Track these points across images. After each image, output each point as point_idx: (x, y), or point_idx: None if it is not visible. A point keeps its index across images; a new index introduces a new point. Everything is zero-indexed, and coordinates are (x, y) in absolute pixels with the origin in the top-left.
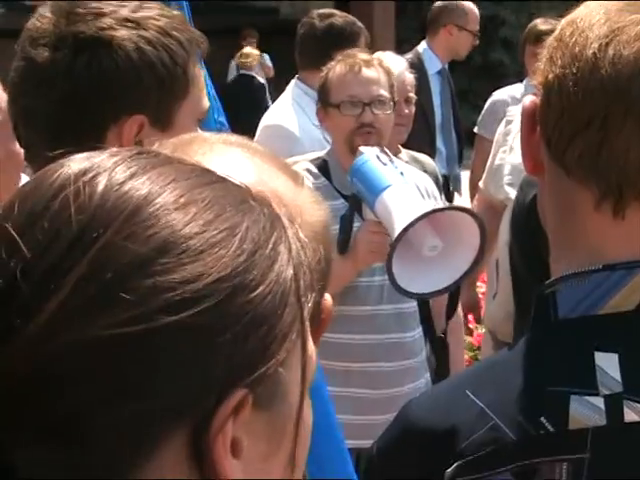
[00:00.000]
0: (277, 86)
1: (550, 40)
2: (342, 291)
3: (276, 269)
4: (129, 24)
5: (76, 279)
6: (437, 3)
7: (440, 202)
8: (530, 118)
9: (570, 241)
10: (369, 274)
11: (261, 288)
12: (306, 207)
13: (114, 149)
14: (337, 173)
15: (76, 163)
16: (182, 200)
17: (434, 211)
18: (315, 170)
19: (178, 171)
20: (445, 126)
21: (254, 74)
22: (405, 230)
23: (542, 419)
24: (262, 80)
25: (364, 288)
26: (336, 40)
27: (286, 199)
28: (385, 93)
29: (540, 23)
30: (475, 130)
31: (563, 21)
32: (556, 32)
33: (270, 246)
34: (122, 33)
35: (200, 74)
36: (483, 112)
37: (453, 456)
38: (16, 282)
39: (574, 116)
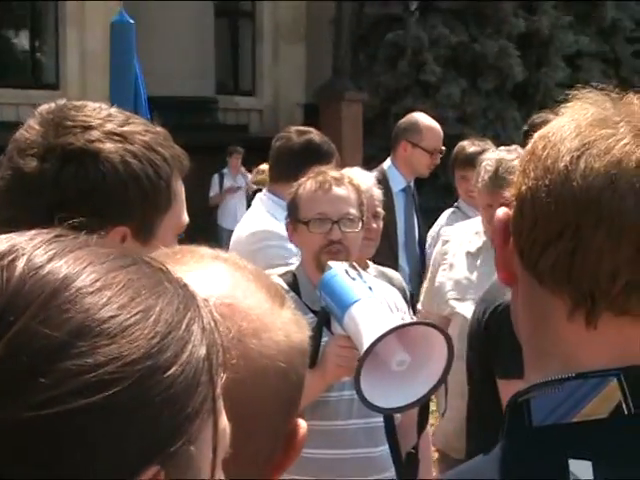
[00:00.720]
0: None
1: (523, 154)
2: (312, 405)
3: (189, 349)
4: (116, 137)
5: None
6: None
7: (408, 316)
8: (504, 229)
9: (544, 349)
10: (339, 388)
11: (174, 369)
12: (280, 326)
13: (34, 231)
14: (306, 288)
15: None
16: (98, 284)
17: (402, 326)
18: (284, 285)
19: (94, 255)
20: (409, 245)
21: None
22: (373, 345)
23: None
24: None
25: (334, 402)
26: (312, 156)
27: (254, 316)
28: (354, 211)
29: (467, 146)
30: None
31: (536, 135)
32: (529, 146)
33: (183, 327)
34: (109, 146)
35: (182, 190)
36: (429, 251)
37: None
38: None
39: (547, 226)
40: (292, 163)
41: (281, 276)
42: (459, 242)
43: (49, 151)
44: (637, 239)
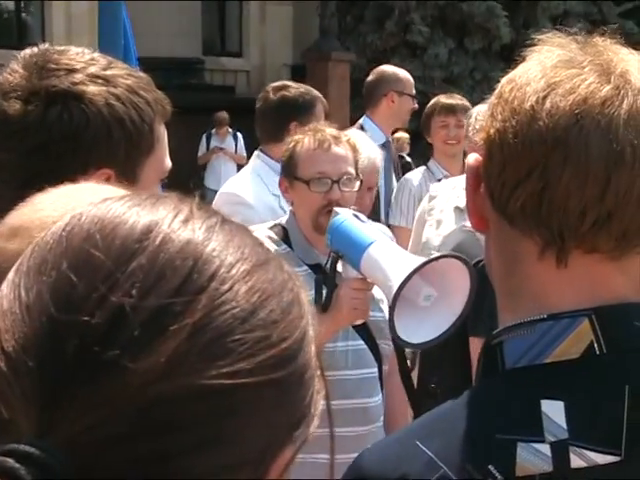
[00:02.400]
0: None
1: (491, 98)
2: None
3: (312, 331)
4: (99, 80)
5: (192, 325)
6: (371, 76)
7: None
8: (475, 175)
9: (515, 291)
10: (333, 340)
11: (311, 349)
12: None
13: (173, 194)
14: (299, 242)
15: (150, 205)
16: (262, 257)
17: (431, 260)
18: (276, 237)
19: (240, 228)
20: (388, 198)
21: None
22: (406, 281)
23: (490, 467)
24: None
25: (329, 354)
26: (290, 111)
27: None
28: (352, 170)
29: (443, 98)
30: (391, 222)
31: (503, 80)
32: (497, 90)
33: (306, 310)
34: (93, 89)
35: (164, 134)
36: (393, 204)
37: None
38: (120, 318)
39: (515, 167)
40: (273, 121)
41: (270, 228)
42: (446, 198)
43: (33, 94)
44: (603, 177)
